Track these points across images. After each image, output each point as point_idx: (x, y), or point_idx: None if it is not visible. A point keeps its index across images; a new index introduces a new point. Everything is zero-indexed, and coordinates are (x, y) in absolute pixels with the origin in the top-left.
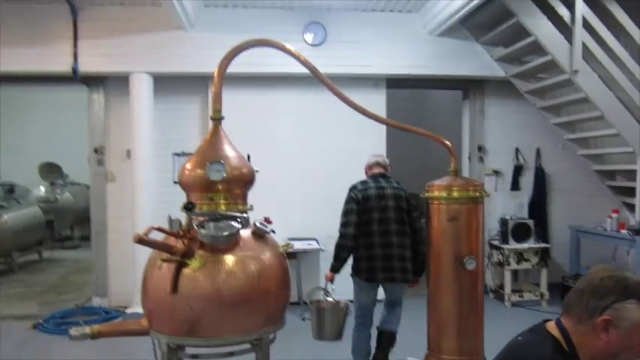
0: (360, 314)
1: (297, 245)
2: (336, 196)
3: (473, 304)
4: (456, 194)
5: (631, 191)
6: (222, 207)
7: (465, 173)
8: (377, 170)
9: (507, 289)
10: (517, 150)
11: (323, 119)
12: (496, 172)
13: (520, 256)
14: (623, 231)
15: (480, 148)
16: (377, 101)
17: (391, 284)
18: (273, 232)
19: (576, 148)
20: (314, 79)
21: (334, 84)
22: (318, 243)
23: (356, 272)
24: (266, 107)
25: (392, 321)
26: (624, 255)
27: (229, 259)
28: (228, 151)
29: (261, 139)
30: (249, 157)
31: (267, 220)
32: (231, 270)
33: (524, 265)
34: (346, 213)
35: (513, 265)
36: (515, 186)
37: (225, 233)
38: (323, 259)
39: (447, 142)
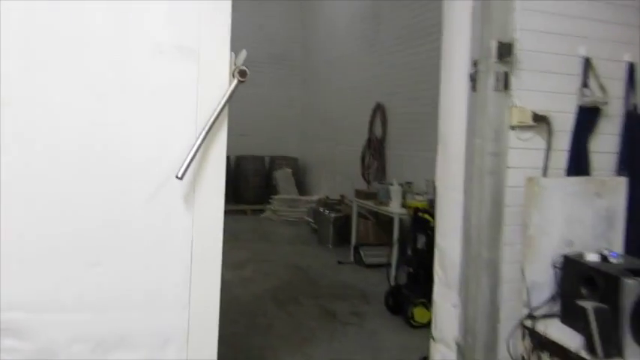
0: None
1: None
2: None
3: None
4: None
5: None
6: None
7: (460, 120)
8: None
9: None
10: (588, 63)
11: None
12: (541, 119)
13: None
14: None
15: (503, 51)
16: None
17: None
18: None
19: None
20: None
21: None
22: None
23: None
24: None
25: None
26: None
27: None
28: None
29: None
30: None
31: None
32: None
33: None
34: None
35: None
36: (581, 159)
37: None
38: None
39: None
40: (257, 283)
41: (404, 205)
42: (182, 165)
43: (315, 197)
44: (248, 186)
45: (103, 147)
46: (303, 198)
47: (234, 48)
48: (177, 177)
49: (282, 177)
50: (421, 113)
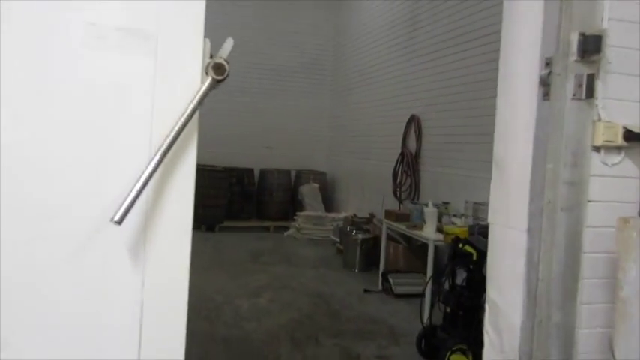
0: None
1: None
2: None
3: None
4: None
5: None
6: None
7: (524, 139)
8: None
9: None
10: None
11: None
12: (636, 139)
13: None
14: None
15: (588, 46)
16: None
17: None
18: None
19: None
20: None
21: None
22: None
23: None
24: None
25: None
26: None
27: None
28: None
29: None
30: None
31: None
32: None
33: None
34: None
35: None
36: None
37: None
38: None
39: None
40: (273, 316)
41: (440, 230)
42: (121, 204)
43: (342, 215)
44: (272, 201)
45: (10, 177)
46: (330, 215)
47: (265, 53)
48: (113, 221)
49: (309, 192)
50: (461, 127)
